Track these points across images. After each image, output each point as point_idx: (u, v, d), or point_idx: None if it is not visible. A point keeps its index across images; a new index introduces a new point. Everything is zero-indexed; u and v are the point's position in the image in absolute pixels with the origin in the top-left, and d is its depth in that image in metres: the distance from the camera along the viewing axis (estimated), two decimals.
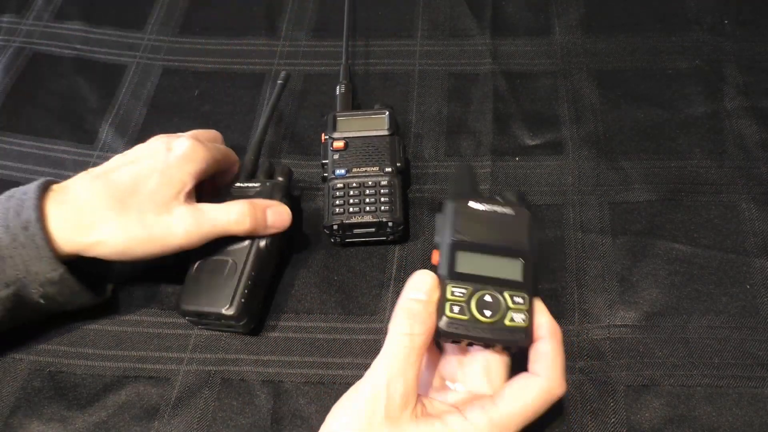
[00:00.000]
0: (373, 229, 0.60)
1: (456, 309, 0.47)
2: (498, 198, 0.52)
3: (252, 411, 0.53)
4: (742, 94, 0.70)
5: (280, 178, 0.61)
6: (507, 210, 0.51)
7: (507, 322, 0.46)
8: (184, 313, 0.56)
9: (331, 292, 0.59)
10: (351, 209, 0.59)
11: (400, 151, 0.62)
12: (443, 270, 0.48)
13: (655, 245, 0.60)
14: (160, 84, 0.76)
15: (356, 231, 0.60)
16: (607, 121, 0.69)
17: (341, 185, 0.60)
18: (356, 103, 0.71)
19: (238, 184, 0.59)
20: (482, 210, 0.51)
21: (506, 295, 0.47)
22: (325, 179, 0.62)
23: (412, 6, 0.81)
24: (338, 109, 0.68)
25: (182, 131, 0.71)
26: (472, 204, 0.51)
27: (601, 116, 0.69)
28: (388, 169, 0.61)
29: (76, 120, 0.73)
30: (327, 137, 0.63)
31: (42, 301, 0.52)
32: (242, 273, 0.54)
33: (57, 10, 0.84)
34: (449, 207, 0.51)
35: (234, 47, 0.78)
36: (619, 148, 0.67)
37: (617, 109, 0.70)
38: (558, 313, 0.56)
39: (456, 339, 0.47)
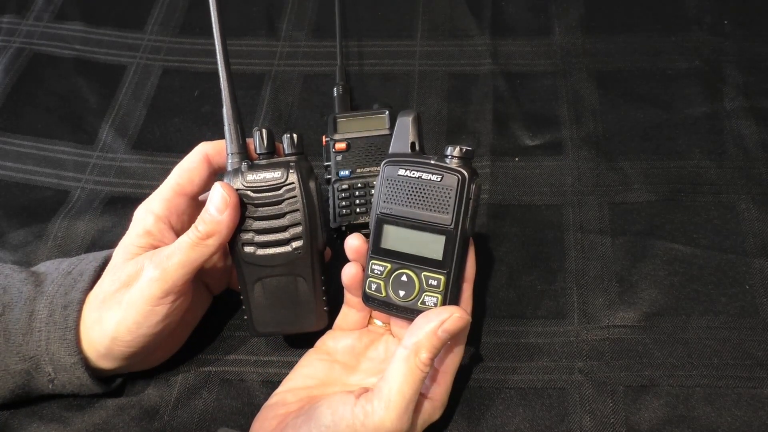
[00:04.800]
0: None
1: (374, 286, 0.49)
2: (433, 159, 0.48)
3: (252, 411, 0.53)
4: (742, 94, 0.70)
5: (290, 151, 0.52)
6: (435, 176, 0.47)
7: (419, 304, 0.48)
8: (261, 335, 0.55)
9: (337, 291, 0.59)
10: (358, 210, 0.59)
11: None
12: (370, 244, 0.49)
13: (655, 246, 0.60)
14: (160, 84, 0.76)
15: (363, 231, 0.60)
16: (606, 122, 0.69)
17: (346, 186, 0.60)
18: (355, 103, 0.71)
19: (250, 178, 0.50)
20: (410, 177, 0.47)
21: (423, 276, 0.47)
22: (329, 181, 0.62)
23: (412, 6, 0.81)
24: (337, 111, 0.68)
25: (182, 131, 0.72)
26: (400, 171, 0.48)
27: (600, 117, 0.69)
28: None
29: (76, 120, 0.73)
30: (328, 139, 0.63)
31: (50, 386, 0.51)
32: (314, 286, 0.52)
33: (57, 10, 0.84)
34: (381, 172, 0.49)
35: (234, 47, 0.78)
36: (618, 149, 0.67)
37: (617, 110, 0.70)
38: (558, 314, 0.57)
39: (378, 311, 0.50)
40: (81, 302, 0.50)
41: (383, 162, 0.49)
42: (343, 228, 0.59)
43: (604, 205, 0.63)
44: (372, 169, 0.61)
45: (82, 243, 0.63)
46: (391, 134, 0.62)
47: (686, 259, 0.59)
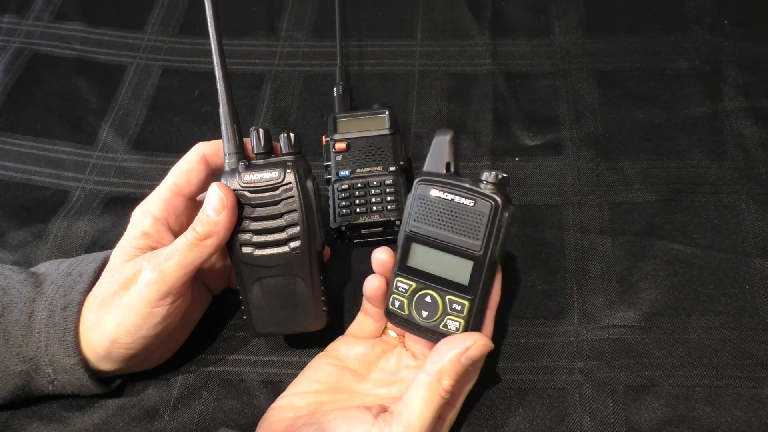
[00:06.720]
0: (380, 229, 0.60)
1: (397, 303, 0.49)
2: (467, 182, 0.47)
3: (252, 411, 0.53)
4: (742, 94, 0.70)
5: (287, 151, 0.52)
6: (468, 201, 0.46)
7: (441, 327, 0.47)
8: (260, 335, 0.55)
9: (337, 291, 0.59)
10: (358, 210, 0.59)
11: (402, 149, 0.63)
12: (397, 260, 0.49)
13: (655, 245, 0.60)
14: (160, 84, 0.76)
15: (363, 231, 0.60)
16: (606, 122, 0.69)
17: (346, 186, 0.60)
18: (355, 103, 0.71)
19: (247, 178, 0.50)
20: (443, 198, 0.47)
21: (447, 299, 0.47)
22: (329, 181, 0.62)
23: (412, 6, 0.81)
24: (337, 111, 0.68)
25: (182, 131, 0.72)
26: (433, 191, 0.47)
27: (600, 116, 0.69)
28: (392, 168, 0.61)
29: (76, 120, 0.73)
30: (328, 139, 0.63)
31: (50, 387, 0.51)
32: (313, 286, 0.52)
33: (57, 10, 0.84)
34: (414, 190, 0.48)
35: (234, 47, 0.78)
36: (618, 149, 0.67)
37: (617, 110, 0.70)
38: (558, 314, 0.57)
39: (399, 327, 0.50)
40: (80, 303, 0.50)
41: (416, 179, 0.48)
42: (343, 228, 0.59)
43: (604, 205, 0.63)
44: (372, 169, 0.61)
45: (82, 243, 0.63)
46: (391, 134, 0.63)
47: (686, 259, 0.59)
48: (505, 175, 0.47)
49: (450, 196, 0.47)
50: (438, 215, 0.47)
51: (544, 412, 0.52)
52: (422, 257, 0.48)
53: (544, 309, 0.57)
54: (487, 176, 0.47)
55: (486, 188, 0.47)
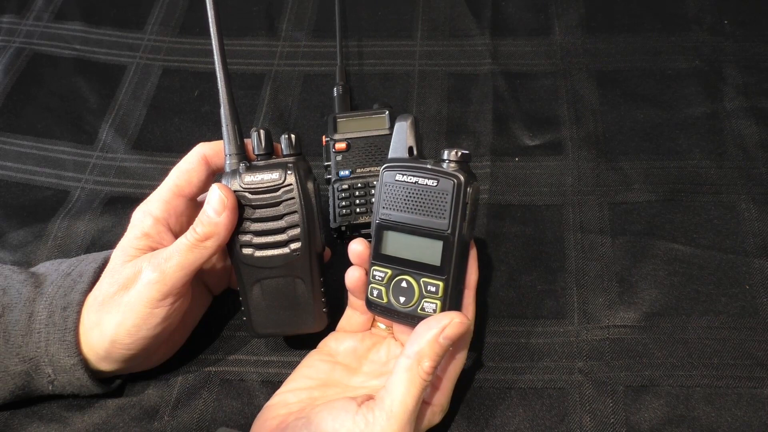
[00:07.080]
0: None
1: (375, 292, 0.49)
2: (429, 163, 0.47)
3: (252, 411, 0.53)
4: (742, 94, 0.70)
5: (288, 152, 0.51)
6: (431, 181, 0.47)
7: (419, 310, 0.48)
8: (260, 336, 0.55)
9: (337, 292, 0.59)
10: (358, 210, 0.59)
11: None
12: (371, 249, 0.49)
13: (655, 245, 0.60)
14: (160, 84, 0.76)
15: (363, 231, 0.60)
16: (606, 122, 0.69)
17: (346, 186, 0.60)
18: (355, 103, 0.71)
19: (248, 179, 0.50)
20: (407, 182, 0.47)
21: (422, 282, 0.47)
22: (329, 181, 0.62)
23: (412, 6, 0.81)
24: (337, 111, 0.68)
25: (182, 131, 0.72)
26: (398, 176, 0.48)
27: (600, 116, 0.69)
28: None
29: (76, 120, 0.73)
30: (328, 139, 0.63)
31: (50, 387, 0.51)
32: (313, 288, 0.52)
33: (57, 10, 0.84)
34: (380, 177, 0.49)
35: (234, 47, 0.78)
36: (618, 149, 0.67)
37: (617, 110, 0.70)
38: (558, 314, 0.57)
39: (380, 316, 0.51)
40: (80, 304, 0.50)
41: (382, 167, 0.49)
42: (343, 228, 0.59)
43: (604, 205, 0.63)
44: (372, 169, 0.61)
45: (82, 243, 0.63)
46: (391, 135, 0.62)
47: (686, 259, 0.59)
48: (465, 151, 0.47)
49: (414, 179, 0.47)
50: (405, 199, 0.48)
51: (544, 412, 0.52)
52: (394, 243, 0.48)
53: (544, 309, 0.57)
54: (448, 155, 0.47)
55: (448, 167, 0.47)
